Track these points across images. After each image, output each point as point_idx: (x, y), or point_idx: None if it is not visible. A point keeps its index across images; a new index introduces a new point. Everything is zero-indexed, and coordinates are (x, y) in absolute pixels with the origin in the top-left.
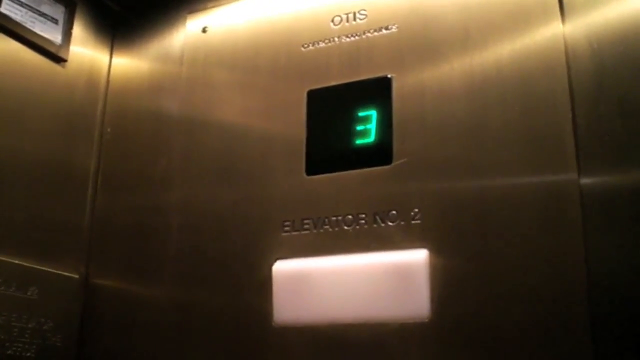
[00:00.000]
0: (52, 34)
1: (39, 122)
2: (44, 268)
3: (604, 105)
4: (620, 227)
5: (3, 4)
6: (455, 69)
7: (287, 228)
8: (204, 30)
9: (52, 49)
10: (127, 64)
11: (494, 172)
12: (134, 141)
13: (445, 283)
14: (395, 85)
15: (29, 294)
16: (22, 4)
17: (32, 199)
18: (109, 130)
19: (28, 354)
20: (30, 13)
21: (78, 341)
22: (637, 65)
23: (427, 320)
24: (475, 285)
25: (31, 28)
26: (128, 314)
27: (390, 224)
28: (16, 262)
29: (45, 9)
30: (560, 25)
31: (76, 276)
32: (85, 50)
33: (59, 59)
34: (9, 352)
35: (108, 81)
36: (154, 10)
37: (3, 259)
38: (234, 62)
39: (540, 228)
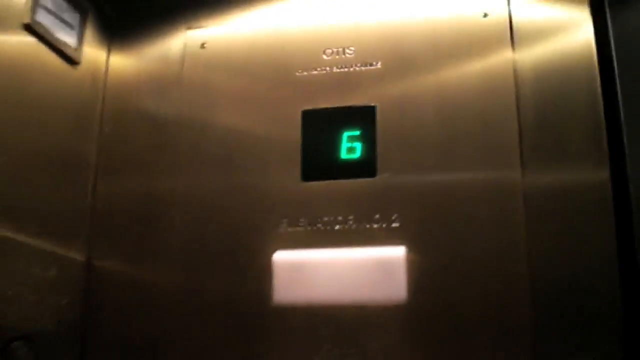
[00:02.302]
0: (69, 39)
1: (54, 117)
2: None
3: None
4: (561, 224)
5: (38, 12)
6: (429, 97)
7: (284, 225)
8: (202, 47)
9: (70, 53)
10: (124, 76)
11: (459, 183)
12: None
13: (419, 274)
14: (378, 112)
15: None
16: (48, 11)
17: (44, 185)
18: (106, 130)
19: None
20: (54, 20)
21: (81, 324)
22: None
23: (404, 303)
24: (442, 275)
25: (54, 33)
26: (131, 297)
27: (374, 225)
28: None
29: (65, 15)
30: (511, 53)
31: (82, 259)
32: (92, 53)
33: (73, 62)
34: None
35: (105, 83)
36: (152, 23)
37: (22, 239)
38: (231, 81)
39: (489, 225)
